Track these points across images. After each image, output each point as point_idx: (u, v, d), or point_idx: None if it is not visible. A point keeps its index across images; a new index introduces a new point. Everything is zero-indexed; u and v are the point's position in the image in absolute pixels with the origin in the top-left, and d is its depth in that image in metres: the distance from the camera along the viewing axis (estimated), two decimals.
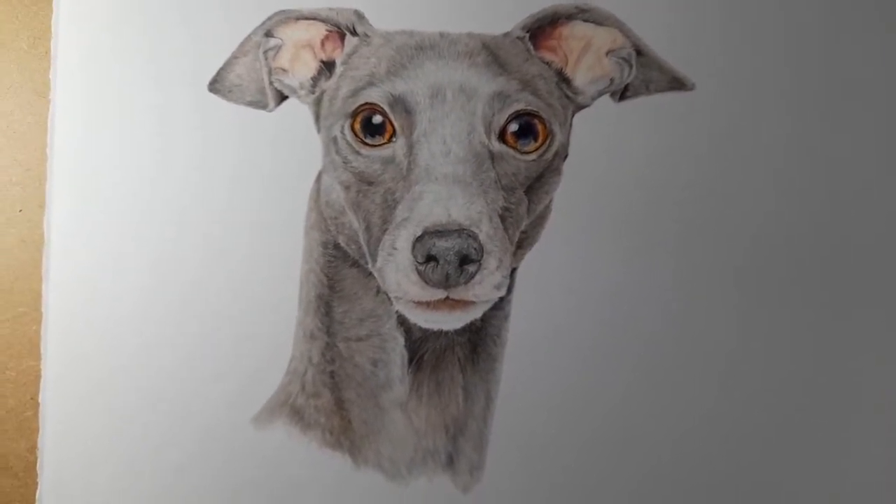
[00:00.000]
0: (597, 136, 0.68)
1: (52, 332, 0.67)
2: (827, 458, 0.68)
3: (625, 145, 0.68)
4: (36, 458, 0.67)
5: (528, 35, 0.67)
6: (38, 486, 0.67)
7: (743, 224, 0.68)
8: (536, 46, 0.67)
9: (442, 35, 0.66)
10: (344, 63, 0.66)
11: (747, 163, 0.68)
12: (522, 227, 0.65)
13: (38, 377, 0.67)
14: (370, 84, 0.64)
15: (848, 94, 0.69)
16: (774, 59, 0.69)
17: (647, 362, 0.67)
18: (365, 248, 0.64)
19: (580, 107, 0.68)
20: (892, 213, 0.68)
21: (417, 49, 0.65)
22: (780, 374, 0.68)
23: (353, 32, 0.67)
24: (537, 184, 0.65)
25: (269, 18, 0.67)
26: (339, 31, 0.67)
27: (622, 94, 0.68)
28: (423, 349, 0.66)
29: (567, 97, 0.67)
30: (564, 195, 0.67)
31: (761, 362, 0.68)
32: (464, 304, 0.61)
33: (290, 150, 0.67)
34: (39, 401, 0.67)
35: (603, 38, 0.67)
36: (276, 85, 0.67)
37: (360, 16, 0.67)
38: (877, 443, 0.68)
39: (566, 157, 0.67)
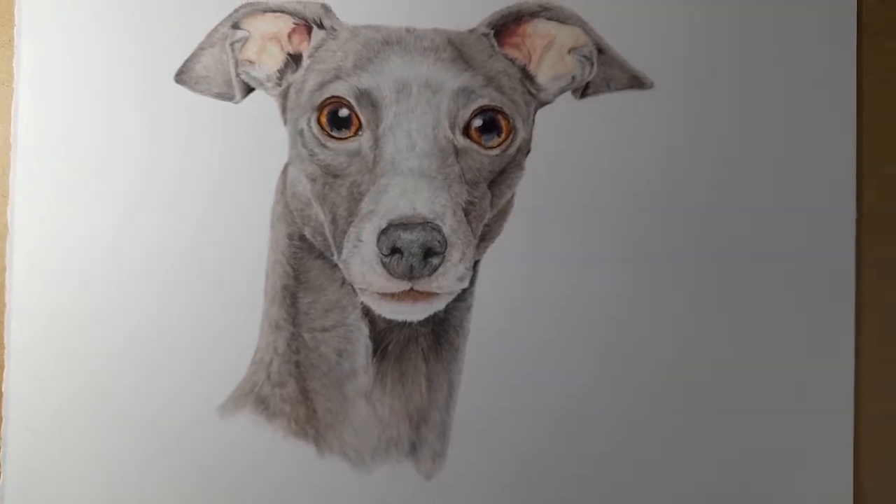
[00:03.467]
0: (559, 132, 0.69)
1: (15, 322, 0.67)
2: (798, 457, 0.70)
3: (586, 141, 0.69)
4: None
5: (492, 32, 0.68)
6: (1, 477, 0.66)
7: (701, 218, 0.70)
8: (501, 43, 0.68)
9: (408, 30, 0.67)
10: (311, 56, 0.67)
11: (704, 158, 0.70)
12: (485, 221, 0.66)
13: (1, 368, 0.67)
14: (337, 77, 0.65)
15: (805, 88, 0.71)
16: (731, 55, 0.70)
17: (606, 352, 0.69)
18: (330, 240, 0.65)
19: (543, 103, 0.69)
20: (849, 205, 0.71)
21: (384, 44, 0.66)
22: (750, 364, 0.69)
23: (320, 26, 0.67)
24: (500, 178, 0.67)
25: (236, 10, 0.68)
26: (306, 24, 0.67)
27: (583, 92, 0.69)
28: (387, 340, 0.67)
29: (530, 93, 0.68)
30: (526, 189, 0.68)
31: (722, 352, 0.70)
32: (427, 295, 0.63)
33: (256, 143, 0.68)
34: (2, 391, 0.67)
35: (566, 36, 0.68)
36: (243, 77, 0.68)
37: (326, 9, 0.68)
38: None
39: (528, 152, 0.68)
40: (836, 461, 0.69)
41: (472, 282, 0.67)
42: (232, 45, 0.67)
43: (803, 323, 0.70)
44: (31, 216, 0.67)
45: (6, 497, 0.66)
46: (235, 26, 0.67)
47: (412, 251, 0.60)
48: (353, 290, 0.65)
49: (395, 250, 0.60)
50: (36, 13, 0.68)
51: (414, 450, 0.68)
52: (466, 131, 0.65)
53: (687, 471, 0.69)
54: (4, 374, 0.67)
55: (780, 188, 0.70)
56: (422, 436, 0.68)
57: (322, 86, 0.65)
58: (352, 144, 0.65)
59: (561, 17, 0.68)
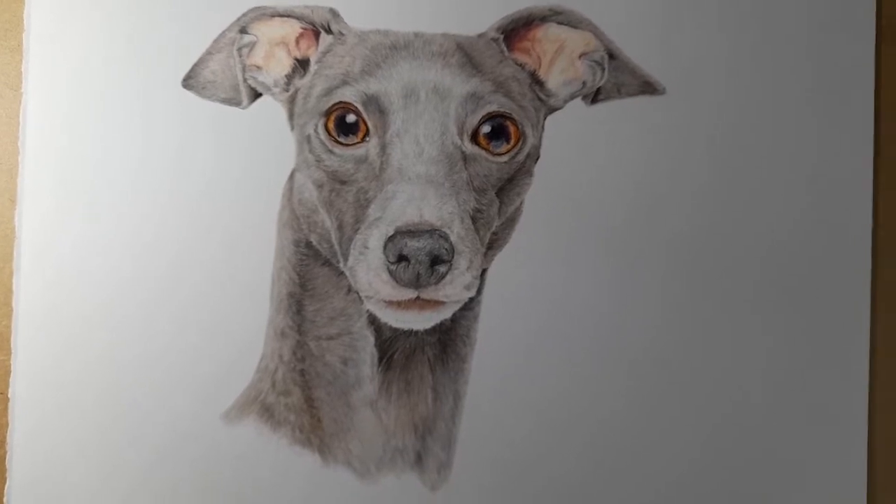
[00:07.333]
0: (569, 139, 0.68)
1: (22, 326, 0.67)
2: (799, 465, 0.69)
3: (596, 148, 0.68)
4: (5, 453, 0.67)
5: (502, 36, 0.67)
6: (7, 482, 0.67)
7: (714, 226, 0.69)
8: (510, 48, 0.67)
9: (416, 35, 0.66)
10: (318, 61, 0.67)
11: (717, 166, 0.69)
12: (493, 229, 0.65)
13: (7, 372, 0.67)
14: (344, 83, 0.65)
15: (822, 95, 0.69)
16: (746, 62, 0.69)
17: (615, 362, 0.68)
18: (337, 247, 0.65)
19: (552, 109, 0.68)
20: (866, 211, 0.69)
21: (392, 49, 0.65)
22: (761, 378, 0.68)
23: (328, 30, 0.67)
24: (509, 185, 0.66)
25: (244, 15, 0.67)
26: (314, 28, 0.67)
27: (594, 97, 0.68)
28: (393, 348, 0.67)
29: (540, 99, 0.67)
30: (535, 197, 0.67)
31: (736, 364, 0.68)
32: (434, 304, 0.62)
33: (263, 148, 0.67)
34: (9, 395, 0.67)
35: (576, 41, 0.67)
36: (250, 82, 0.67)
37: (335, 14, 0.67)
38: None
39: (538, 159, 0.67)
40: (849, 470, 0.68)
41: (480, 290, 0.66)
42: (239, 49, 0.67)
43: (817, 329, 0.69)
44: (40, 221, 0.67)
45: (12, 500, 0.66)
46: (243, 31, 0.67)
47: (419, 259, 0.60)
48: (359, 297, 0.64)
49: (401, 258, 0.60)
50: (45, 18, 0.68)
51: (419, 460, 0.67)
52: (475, 138, 0.64)
53: (699, 481, 0.68)
54: (11, 379, 0.67)
55: (795, 194, 0.69)
56: (427, 446, 0.67)
57: (329, 91, 0.65)
58: (359, 150, 0.64)
59: (572, 22, 0.67)
